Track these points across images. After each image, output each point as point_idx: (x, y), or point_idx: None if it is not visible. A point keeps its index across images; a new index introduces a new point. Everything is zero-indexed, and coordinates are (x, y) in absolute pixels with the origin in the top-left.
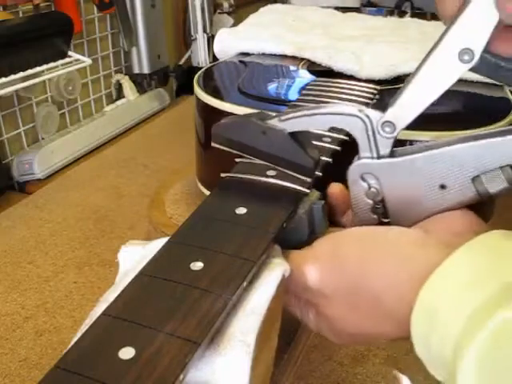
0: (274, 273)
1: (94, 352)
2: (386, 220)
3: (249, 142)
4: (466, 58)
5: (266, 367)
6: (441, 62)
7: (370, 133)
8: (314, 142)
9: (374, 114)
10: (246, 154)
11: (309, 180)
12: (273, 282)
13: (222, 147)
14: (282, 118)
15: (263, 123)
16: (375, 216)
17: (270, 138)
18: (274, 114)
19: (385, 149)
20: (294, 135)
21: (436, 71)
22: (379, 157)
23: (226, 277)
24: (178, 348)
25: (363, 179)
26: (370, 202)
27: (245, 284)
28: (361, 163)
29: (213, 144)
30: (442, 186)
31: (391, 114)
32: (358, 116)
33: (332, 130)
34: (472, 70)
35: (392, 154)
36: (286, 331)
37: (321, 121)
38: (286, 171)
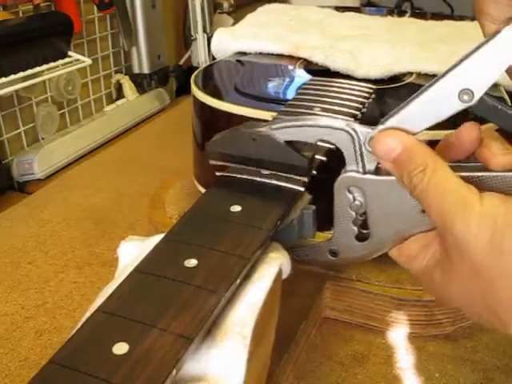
0: (271, 267)
1: (89, 347)
2: (364, 231)
3: (242, 153)
4: (466, 98)
5: (262, 361)
6: (440, 97)
7: (357, 147)
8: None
9: (362, 128)
10: (243, 165)
11: (305, 179)
12: (269, 275)
13: (219, 163)
14: (273, 127)
15: (252, 130)
16: (355, 227)
17: (260, 144)
18: (263, 123)
19: (371, 164)
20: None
21: (432, 104)
22: (365, 172)
23: (219, 274)
24: (171, 344)
25: (349, 191)
26: (353, 213)
27: (238, 281)
28: (349, 176)
29: (211, 162)
30: (423, 211)
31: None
32: (345, 130)
33: (321, 141)
34: (469, 109)
35: (378, 170)
36: (287, 331)
37: (309, 133)
38: (282, 174)
